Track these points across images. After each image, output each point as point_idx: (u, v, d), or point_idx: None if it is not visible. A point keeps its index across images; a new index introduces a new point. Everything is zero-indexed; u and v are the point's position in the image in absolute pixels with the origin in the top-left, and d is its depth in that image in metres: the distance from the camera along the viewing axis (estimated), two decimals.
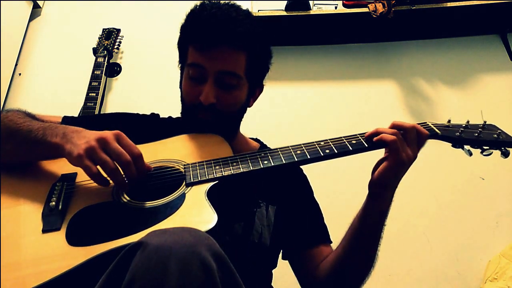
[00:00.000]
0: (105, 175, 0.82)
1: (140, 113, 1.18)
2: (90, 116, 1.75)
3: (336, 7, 2.14)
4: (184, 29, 1.04)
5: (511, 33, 2.20)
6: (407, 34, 2.24)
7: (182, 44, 1.05)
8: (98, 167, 0.81)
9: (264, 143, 1.24)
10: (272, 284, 1.10)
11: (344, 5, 2.13)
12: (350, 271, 0.98)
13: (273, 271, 1.11)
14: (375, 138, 0.90)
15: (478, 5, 2.01)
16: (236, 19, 0.99)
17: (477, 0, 2.00)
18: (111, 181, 0.83)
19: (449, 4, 2.01)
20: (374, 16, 1.99)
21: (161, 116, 1.20)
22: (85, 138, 0.82)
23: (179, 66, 1.10)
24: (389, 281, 1.78)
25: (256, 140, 1.24)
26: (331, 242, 1.10)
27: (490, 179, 1.92)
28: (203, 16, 0.99)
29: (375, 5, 2.00)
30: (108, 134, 0.82)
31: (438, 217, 1.88)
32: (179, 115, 1.20)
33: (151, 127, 1.11)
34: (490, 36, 2.22)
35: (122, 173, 0.82)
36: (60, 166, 0.92)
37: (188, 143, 1.01)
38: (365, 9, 2.05)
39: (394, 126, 0.90)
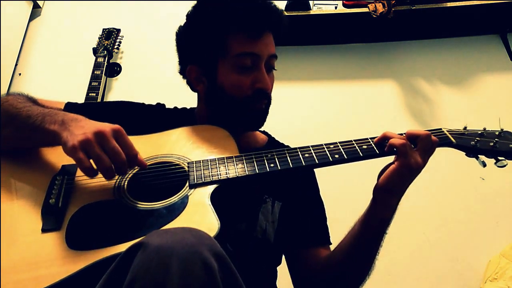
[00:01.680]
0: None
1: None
2: (94, 104, 1.70)
3: (336, 7, 2.14)
4: (222, 20, 0.99)
5: (511, 33, 2.20)
6: (407, 34, 2.24)
7: (217, 36, 1.00)
8: (91, 160, 0.78)
9: (272, 136, 1.21)
10: (277, 282, 1.08)
11: (344, 5, 2.13)
12: (345, 275, 0.97)
13: (278, 269, 1.09)
14: (386, 147, 0.87)
15: (478, 5, 2.00)
16: (271, 4, 1.03)
17: (477, 0, 2.00)
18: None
19: (449, 4, 2.01)
20: (374, 16, 1.99)
21: (166, 107, 1.17)
22: (83, 128, 0.79)
23: (191, 62, 1.05)
24: (389, 281, 1.78)
25: (264, 132, 1.21)
26: (330, 244, 1.08)
27: (490, 179, 1.91)
28: (242, 5, 0.99)
29: (375, 5, 2.00)
30: (107, 129, 0.79)
31: (438, 217, 1.88)
32: (184, 106, 1.17)
33: (156, 117, 1.09)
34: (490, 36, 2.22)
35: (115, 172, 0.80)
36: (61, 155, 0.87)
37: (193, 137, 0.98)
38: (365, 9, 2.05)
39: (408, 135, 0.87)
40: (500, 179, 1.90)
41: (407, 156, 0.83)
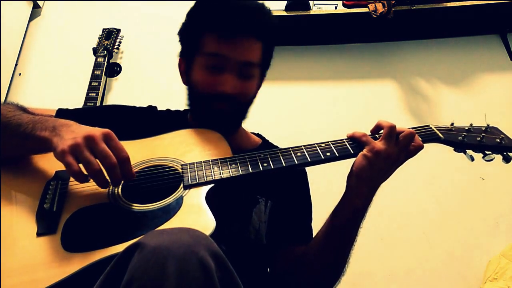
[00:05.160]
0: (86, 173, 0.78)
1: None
2: (85, 109, 1.69)
3: (336, 7, 2.14)
4: (199, 15, 1.01)
5: (511, 33, 2.20)
6: (407, 34, 2.24)
7: (194, 31, 1.01)
8: (81, 165, 0.77)
9: (266, 138, 1.21)
10: None
11: (344, 5, 2.13)
12: (319, 267, 0.95)
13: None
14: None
15: (478, 5, 2.00)
16: (258, 9, 1.00)
17: (477, 0, 2.00)
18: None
19: (449, 4, 2.01)
20: (374, 16, 1.99)
21: (158, 109, 1.17)
22: (73, 133, 0.79)
23: (180, 54, 1.08)
24: (389, 281, 1.77)
25: (258, 135, 1.21)
26: None
27: (490, 179, 1.91)
28: (224, 3, 0.98)
29: (375, 5, 2.00)
30: (97, 132, 0.78)
31: (438, 217, 1.88)
32: (178, 109, 1.17)
33: (148, 120, 1.09)
34: (490, 36, 2.22)
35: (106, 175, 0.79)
36: (54, 161, 0.87)
37: (186, 140, 0.99)
38: (365, 9, 2.05)
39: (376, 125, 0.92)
40: (500, 179, 1.90)
41: (370, 143, 0.88)
